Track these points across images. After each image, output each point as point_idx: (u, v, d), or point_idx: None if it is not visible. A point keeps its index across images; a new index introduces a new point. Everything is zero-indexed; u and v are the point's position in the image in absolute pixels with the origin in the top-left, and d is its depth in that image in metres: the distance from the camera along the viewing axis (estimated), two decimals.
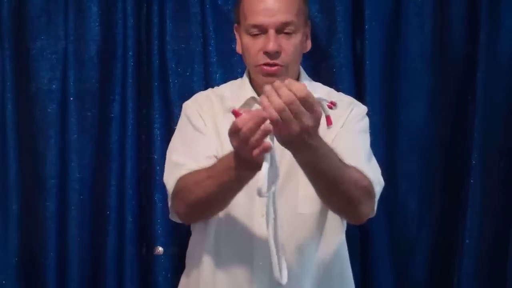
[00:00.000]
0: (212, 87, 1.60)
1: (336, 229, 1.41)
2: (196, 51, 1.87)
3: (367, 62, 1.88)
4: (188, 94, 1.81)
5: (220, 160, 1.24)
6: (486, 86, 1.88)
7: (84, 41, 1.85)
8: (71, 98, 1.82)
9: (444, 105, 1.94)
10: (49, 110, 1.83)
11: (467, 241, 1.89)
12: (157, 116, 1.84)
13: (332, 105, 1.08)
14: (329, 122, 1.08)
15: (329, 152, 1.14)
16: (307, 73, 1.50)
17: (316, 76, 1.62)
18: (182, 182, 1.32)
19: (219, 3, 1.86)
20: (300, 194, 1.36)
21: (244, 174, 1.16)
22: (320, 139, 1.10)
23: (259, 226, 1.32)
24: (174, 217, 1.41)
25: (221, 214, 1.36)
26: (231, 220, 1.37)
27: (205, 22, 1.86)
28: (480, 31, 1.87)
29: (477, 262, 1.90)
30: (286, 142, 1.08)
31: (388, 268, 1.94)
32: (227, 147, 1.33)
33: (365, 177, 1.25)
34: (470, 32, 1.90)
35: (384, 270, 1.94)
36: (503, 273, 1.90)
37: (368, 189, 1.25)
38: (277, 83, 1.05)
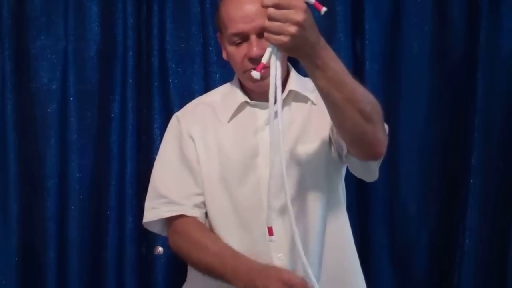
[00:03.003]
0: (212, 87, 1.60)
1: (338, 209, 1.43)
2: (196, 51, 1.88)
3: (367, 62, 1.88)
4: (188, 94, 1.82)
5: (227, 267, 1.30)
6: (486, 86, 1.88)
7: (84, 41, 1.85)
8: (71, 98, 1.82)
9: (444, 105, 1.94)
10: (49, 110, 1.83)
11: (467, 241, 1.89)
12: (157, 116, 1.84)
13: None
14: (319, 7, 1.09)
15: (334, 55, 1.14)
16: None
17: None
18: (176, 236, 1.40)
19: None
20: (306, 181, 1.37)
21: None
22: (319, 35, 1.10)
23: (274, 221, 1.33)
24: (149, 228, 1.48)
25: (228, 215, 1.38)
26: (241, 218, 1.37)
27: (205, 22, 1.86)
28: (480, 31, 1.87)
29: (477, 262, 1.90)
30: (291, 49, 1.09)
31: (388, 268, 1.94)
32: (213, 157, 1.40)
33: (371, 94, 1.21)
34: (470, 32, 1.90)
35: (384, 270, 1.94)
36: (503, 273, 1.90)
37: (377, 107, 1.20)
38: None
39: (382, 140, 1.22)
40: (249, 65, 1.35)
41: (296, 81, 1.44)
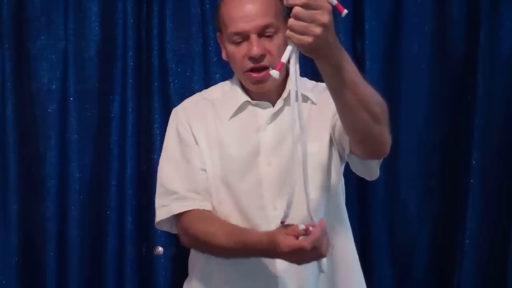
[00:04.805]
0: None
1: (338, 206, 1.44)
2: (196, 51, 1.88)
3: (367, 62, 1.88)
4: (188, 94, 1.81)
5: (248, 239, 1.30)
6: (486, 86, 1.88)
7: (84, 41, 1.85)
8: (71, 98, 1.82)
9: (444, 105, 1.94)
10: (49, 110, 1.83)
11: (467, 241, 1.89)
12: (157, 116, 1.84)
13: None
14: (341, 9, 1.08)
15: (348, 56, 1.13)
16: (307, 74, 1.50)
17: (316, 76, 1.62)
18: (188, 227, 1.39)
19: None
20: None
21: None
22: (336, 36, 1.09)
23: (274, 220, 1.33)
24: (161, 228, 1.48)
25: (230, 209, 1.39)
26: (242, 213, 1.38)
27: (205, 22, 1.86)
28: (480, 31, 1.87)
29: (477, 262, 1.90)
30: (313, 49, 1.07)
31: (388, 268, 1.94)
32: (214, 152, 1.40)
33: (378, 94, 1.21)
34: (470, 32, 1.90)
35: (384, 270, 1.94)
36: (503, 273, 1.90)
37: (385, 107, 1.21)
38: None
39: (388, 140, 1.24)
40: (249, 64, 1.36)
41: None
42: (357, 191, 1.90)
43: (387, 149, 1.25)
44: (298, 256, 1.20)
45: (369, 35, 1.89)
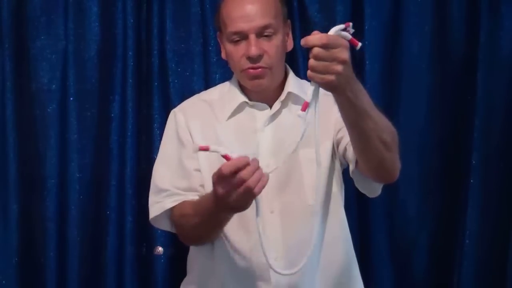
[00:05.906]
0: (212, 87, 1.61)
1: (338, 215, 1.45)
2: (196, 51, 1.88)
3: (367, 62, 1.88)
4: (188, 94, 1.82)
5: (203, 202, 1.30)
6: (486, 86, 1.88)
7: (84, 41, 1.85)
8: (71, 98, 1.82)
9: (444, 105, 1.94)
10: (49, 110, 1.83)
11: (467, 241, 1.89)
12: (157, 116, 1.84)
13: (347, 26, 1.08)
14: (355, 43, 1.09)
15: (362, 87, 1.15)
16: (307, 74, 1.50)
17: None
18: (173, 218, 1.40)
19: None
20: (305, 185, 1.38)
21: (228, 216, 1.25)
22: (352, 70, 1.10)
23: (271, 223, 1.33)
24: (156, 225, 1.48)
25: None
26: (238, 221, 1.37)
27: (205, 22, 1.86)
28: (480, 31, 1.87)
29: (477, 262, 1.90)
30: (334, 87, 1.08)
31: (388, 268, 1.94)
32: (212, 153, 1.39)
33: (390, 123, 1.23)
34: (470, 32, 1.90)
35: (384, 270, 1.94)
36: (503, 273, 1.90)
37: (396, 136, 1.24)
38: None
39: (398, 166, 1.28)
40: (246, 64, 1.37)
41: (295, 84, 1.45)
42: (357, 191, 1.88)
43: (397, 175, 1.29)
44: (229, 192, 1.13)
45: (369, 35, 1.88)
